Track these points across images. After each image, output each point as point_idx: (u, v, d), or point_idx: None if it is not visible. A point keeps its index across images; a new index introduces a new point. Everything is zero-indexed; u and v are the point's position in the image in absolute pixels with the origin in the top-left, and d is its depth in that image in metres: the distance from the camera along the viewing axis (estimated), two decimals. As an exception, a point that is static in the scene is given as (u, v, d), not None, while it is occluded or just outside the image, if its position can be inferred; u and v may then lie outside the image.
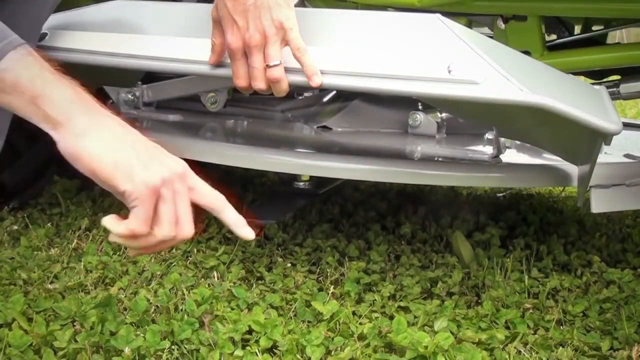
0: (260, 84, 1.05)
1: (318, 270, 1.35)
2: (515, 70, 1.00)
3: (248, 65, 1.05)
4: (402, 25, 1.08)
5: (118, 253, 1.37)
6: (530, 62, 1.12)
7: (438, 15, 1.06)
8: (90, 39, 1.28)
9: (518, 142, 1.40)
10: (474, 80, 0.98)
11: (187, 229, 0.85)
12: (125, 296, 1.18)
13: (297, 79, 1.06)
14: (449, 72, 0.99)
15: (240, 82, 1.07)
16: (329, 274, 1.32)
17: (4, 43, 0.79)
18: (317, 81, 1.04)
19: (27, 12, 1.12)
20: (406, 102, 1.51)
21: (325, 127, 1.54)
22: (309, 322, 1.14)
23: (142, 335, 1.02)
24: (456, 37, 1.03)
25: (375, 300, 1.22)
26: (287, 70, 1.05)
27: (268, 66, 1.04)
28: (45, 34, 1.31)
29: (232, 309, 1.16)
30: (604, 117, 0.97)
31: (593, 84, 1.26)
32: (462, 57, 1.00)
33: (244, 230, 0.88)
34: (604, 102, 1.07)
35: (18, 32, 1.11)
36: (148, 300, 1.14)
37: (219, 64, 1.10)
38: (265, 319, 1.08)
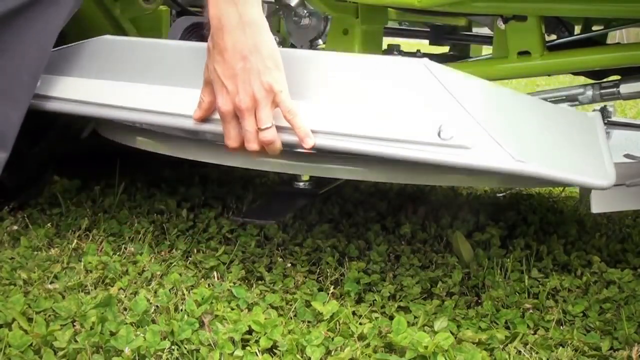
0: (253, 146, 1.07)
1: (318, 270, 1.35)
2: (505, 126, 1.00)
3: (240, 127, 1.07)
4: (390, 73, 1.07)
5: (118, 253, 1.37)
6: (520, 107, 1.09)
7: (425, 61, 1.05)
8: (77, 87, 1.29)
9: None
10: (464, 145, 0.98)
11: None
12: (125, 296, 1.18)
13: (290, 138, 1.07)
14: (439, 134, 0.99)
15: (232, 143, 1.08)
16: (329, 274, 1.32)
17: None
18: (309, 143, 1.05)
19: (41, 22, 1.12)
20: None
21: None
22: (309, 322, 1.14)
23: (142, 335, 1.02)
24: (445, 90, 1.02)
25: (375, 300, 1.22)
26: (279, 129, 1.06)
27: (260, 129, 1.05)
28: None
29: (232, 309, 1.16)
30: (595, 168, 0.98)
31: (593, 84, 1.26)
32: (451, 117, 1.00)
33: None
34: (598, 142, 1.05)
35: (34, 40, 1.11)
36: (148, 300, 1.14)
37: (205, 120, 1.12)
38: (265, 319, 1.08)
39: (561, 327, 1.17)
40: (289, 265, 1.36)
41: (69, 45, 1.35)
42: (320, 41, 1.48)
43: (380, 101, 1.05)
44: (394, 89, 1.05)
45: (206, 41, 1.07)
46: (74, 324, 1.06)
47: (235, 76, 1.04)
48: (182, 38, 1.48)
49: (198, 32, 1.50)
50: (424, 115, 1.02)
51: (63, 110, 1.30)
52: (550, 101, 1.30)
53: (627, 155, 1.35)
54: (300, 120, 1.05)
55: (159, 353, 1.00)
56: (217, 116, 1.10)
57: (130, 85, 1.24)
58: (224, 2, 1.03)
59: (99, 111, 1.27)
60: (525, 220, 1.75)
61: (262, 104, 1.04)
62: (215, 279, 1.28)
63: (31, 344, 0.99)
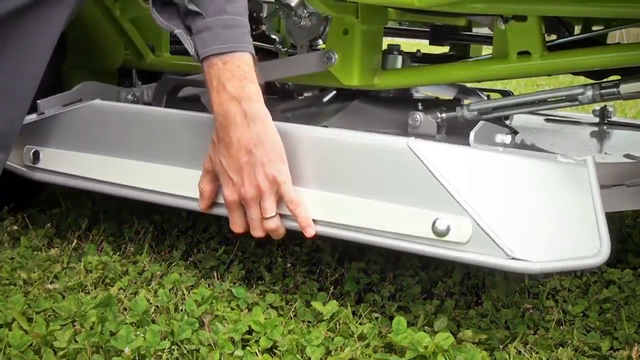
0: (258, 233, 1.12)
1: (318, 270, 1.35)
2: (499, 212, 0.99)
3: (245, 215, 1.12)
4: (375, 156, 1.07)
5: (118, 253, 1.37)
6: (515, 180, 1.05)
7: (409, 141, 1.04)
8: (80, 163, 1.32)
9: (518, 142, 1.40)
10: (459, 241, 0.99)
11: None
12: (125, 296, 1.18)
13: (293, 224, 1.11)
14: (433, 227, 1.00)
15: (237, 229, 1.14)
16: (329, 274, 1.32)
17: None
18: (311, 233, 1.10)
19: (45, 21, 1.12)
20: (406, 103, 1.51)
21: (325, 127, 1.54)
22: (309, 322, 1.14)
23: (142, 335, 1.02)
24: (432, 177, 1.01)
25: (375, 300, 1.22)
26: (283, 216, 1.11)
27: (264, 218, 1.10)
28: (38, 153, 1.36)
29: (232, 309, 1.16)
30: (589, 243, 0.98)
31: (593, 84, 1.26)
32: (444, 208, 1.00)
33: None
34: (593, 205, 1.02)
35: (36, 40, 1.13)
36: (148, 300, 1.14)
37: (210, 206, 1.17)
38: (265, 319, 1.08)
39: (561, 327, 1.17)
40: (289, 265, 1.36)
41: (59, 112, 1.35)
42: (320, 41, 1.48)
43: (371, 187, 1.07)
44: (383, 174, 1.06)
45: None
46: (74, 324, 1.06)
47: (241, 169, 1.08)
48: (168, 100, 1.49)
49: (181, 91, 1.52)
50: (416, 205, 1.02)
51: (55, 182, 1.34)
52: (550, 101, 1.30)
53: (627, 155, 1.35)
54: (302, 211, 1.09)
55: (159, 353, 1.00)
56: (222, 200, 1.14)
57: (130, 162, 1.26)
58: (228, 101, 1.07)
59: (98, 187, 1.30)
60: (525, 220, 1.75)
61: (267, 194, 1.08)
62: (215, 279, 1.28)
63: (31, 344, 0.99)
